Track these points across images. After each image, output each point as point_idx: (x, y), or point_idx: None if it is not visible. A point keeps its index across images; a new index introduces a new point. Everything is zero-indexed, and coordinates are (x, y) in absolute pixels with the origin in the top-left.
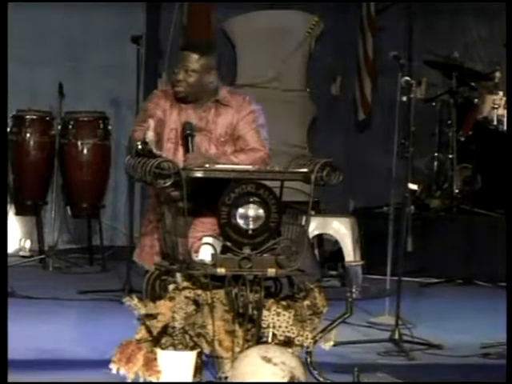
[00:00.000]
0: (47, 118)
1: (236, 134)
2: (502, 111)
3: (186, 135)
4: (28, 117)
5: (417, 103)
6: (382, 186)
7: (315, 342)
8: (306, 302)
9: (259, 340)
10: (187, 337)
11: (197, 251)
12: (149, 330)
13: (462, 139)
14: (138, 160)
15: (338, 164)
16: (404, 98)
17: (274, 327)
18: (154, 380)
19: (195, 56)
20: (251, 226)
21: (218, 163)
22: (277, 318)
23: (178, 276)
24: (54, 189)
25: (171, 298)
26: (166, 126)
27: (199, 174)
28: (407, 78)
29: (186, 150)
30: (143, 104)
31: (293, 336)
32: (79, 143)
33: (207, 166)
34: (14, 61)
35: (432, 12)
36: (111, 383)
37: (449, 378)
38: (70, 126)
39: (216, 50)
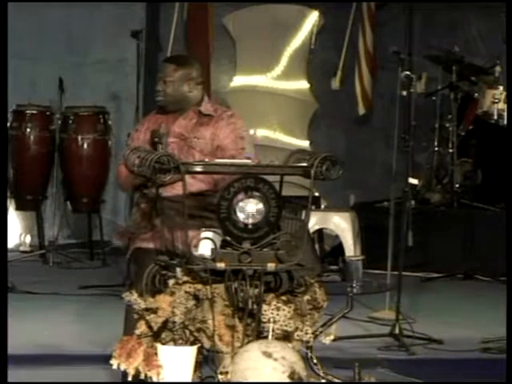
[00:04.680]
0: (47, 113)
1: (215, 143)
2: (502, 105)
3: (154, 143)
4: (28, 111)
5: (417, 98)
6: (382, 181)
7: (315, 336)
8: (307, 297)
9: (259, 335)
10: (187, 332)
11: (196, 246)
12: (149, 325)
13: (463, 134)
14: (138, 155)
15: (339, 158)
16: (404, 93)
17: (274, 322)
18: (155, 375)
19: (172, 67)
20: (251, 221)
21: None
22: (277, 313)
23: (178, 271)
24: (54, 184)
25: (171, 293)
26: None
27: (198, 169)
28: (407, 73)
29: None
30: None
31: (293, 331)
32: (79, 138)
33: (206, 160)
34: (15, 56)
35: (432, 7)
36: (111, 383)
37: (449, 373)
38: (70, 121)
39: (197, 64)
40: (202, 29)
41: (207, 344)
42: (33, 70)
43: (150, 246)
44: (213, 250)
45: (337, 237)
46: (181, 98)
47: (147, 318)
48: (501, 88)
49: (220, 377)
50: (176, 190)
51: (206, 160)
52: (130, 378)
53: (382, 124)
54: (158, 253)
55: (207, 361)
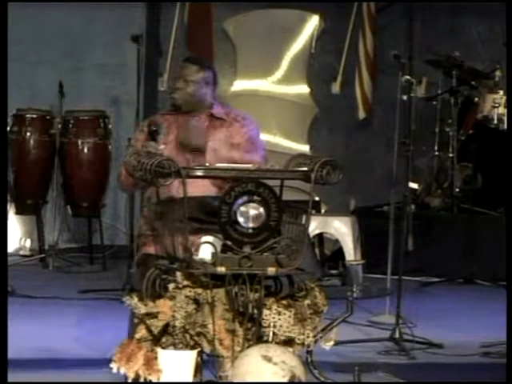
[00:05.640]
0: (47, 117)
1: (230, 141)
2: (503, 110)
3: (151, 132)
4: (28, 116)
5: (417, 102)
6: (382, 185)
7: (316, 341)
8: (307, 301)
9: (260, 339)
10: (187, 336)
11: (197, 250)
12: (149, 330)
13: (463, 138)
14: (138, 159)
15: (339, 163)
16: (404, 97)
17: (274, 326)
18: (155, 379)
19: (195, 67)
20: (251, 225)
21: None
22: (277, 317)
23: (178, 275)
24: (55, 188)
25: (171, 297)
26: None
27: (199, 173)
28: (408, 77)
29: None
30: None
31: (293, 335)
32: (79, 142)
33: (207, 164)
34: (15, 60)
35: (432, 11)
36: (111, 383)
37: (449, 377)
38: (70, 125)
39: (215, 69)
40: (205, 32)
41: (207, 348)
42: (33, 74)
43: (152, 251)
44: (213, 255)
45: (337, 241)
46: (199, 100)
47: (147, 322)
48: (501, 92)
49: (220, 381)
50: (195, 191)
51: (206, 164)
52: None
53: (382, 128)
54: (158, 257)
55: (207, 365)
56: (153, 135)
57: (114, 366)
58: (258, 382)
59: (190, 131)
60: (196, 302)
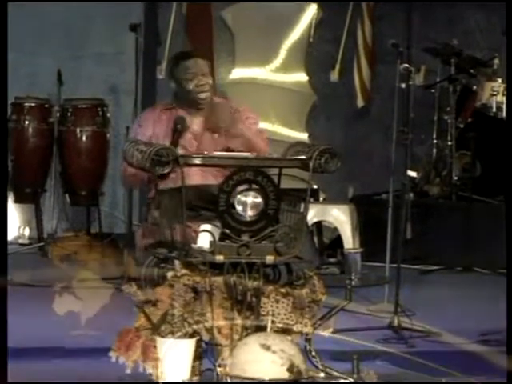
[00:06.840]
0: (46, 106)
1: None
2: (501, 98)
3: (176, 129)
4: (27, 104)
5: (416, 90)
6: (381, 173)
7: (314, 329)
8: (305, 290)
9: (258, 327)
10: (186, 324)
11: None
12: (148, 318)
13: (461, 126)
14: (137, 147)
15: (337, 151)
16: (403, 85)
17: (273, 314)
18: (153, 368)
19: (203, 61)
20: (250, 213)
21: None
22: (276, 306)
23: (177, 263)
24: (53, 176)
25: (170, 286)
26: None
27: (197, 161)
28: (406, 65)
29: (173, 143)
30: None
31: (292, 323)
32: (78, 130)
33: (205, 153)
34: (13, 49)
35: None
36: (112, 383)
37: (448, 366)
38: (69, 114)
39: None
40: (204, 20)
41: (206, 337)
42: (31, 62)
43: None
44: (211, 243)
45: (335, 229)
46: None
47: (146, 310)
48: (499, 80)
49: (219, 369)
50: (195, 180)
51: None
52: (128, 371)
53: (380, 116)
54: (156, 246)
55: (206, 353)
56: (179, 133)
57: (112, 354)
58: (255, 382)
59: (217, 112)
60: (194, 290)
